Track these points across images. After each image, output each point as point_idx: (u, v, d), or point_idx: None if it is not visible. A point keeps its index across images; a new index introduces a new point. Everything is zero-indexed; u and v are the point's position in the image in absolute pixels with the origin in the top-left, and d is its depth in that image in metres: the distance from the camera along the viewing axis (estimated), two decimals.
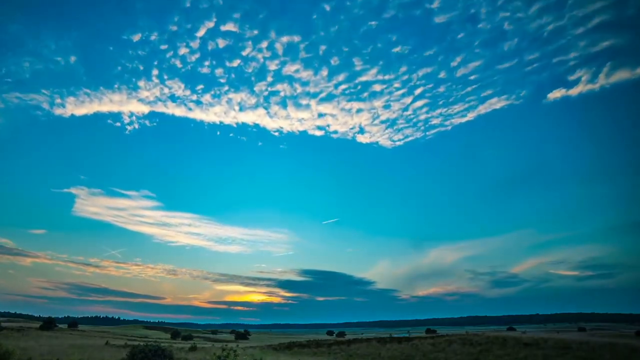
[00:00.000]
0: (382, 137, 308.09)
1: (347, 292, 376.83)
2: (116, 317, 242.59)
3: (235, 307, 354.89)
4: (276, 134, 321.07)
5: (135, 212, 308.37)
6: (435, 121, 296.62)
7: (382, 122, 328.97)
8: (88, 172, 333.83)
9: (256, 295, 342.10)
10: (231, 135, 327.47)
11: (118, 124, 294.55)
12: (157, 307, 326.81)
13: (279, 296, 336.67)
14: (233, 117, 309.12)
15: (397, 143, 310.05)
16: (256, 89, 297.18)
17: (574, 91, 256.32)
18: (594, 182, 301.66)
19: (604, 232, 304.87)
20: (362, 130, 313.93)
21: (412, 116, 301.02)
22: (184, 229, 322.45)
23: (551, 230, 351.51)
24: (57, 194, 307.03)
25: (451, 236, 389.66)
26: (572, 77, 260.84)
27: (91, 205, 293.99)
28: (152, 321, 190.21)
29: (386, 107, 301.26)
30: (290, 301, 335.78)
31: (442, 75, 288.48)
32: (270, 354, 30.04)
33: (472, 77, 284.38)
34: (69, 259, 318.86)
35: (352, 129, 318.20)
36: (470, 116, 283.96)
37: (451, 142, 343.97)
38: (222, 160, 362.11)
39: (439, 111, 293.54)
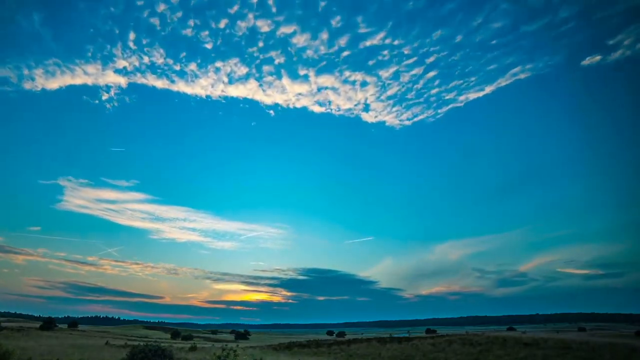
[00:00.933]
0: (389, 116, 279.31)
1: (348, 292, 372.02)
2: (116, 317, 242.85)
3: (235, 307, 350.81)
4: (271, 112, 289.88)
5: (128, 207, 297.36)
6: (448, 96, 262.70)
7: (390, 97, 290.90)
8: (74, 160, 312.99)
9: (255, 295, 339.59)
10: (220, 114, 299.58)
11: (96, 101, 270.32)
12: (156, 307, 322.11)
13: (279, 295, 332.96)
14: (222, 91, 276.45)
15: (406, 122, 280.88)
16: (247, 55, 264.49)
17: (614, 56, 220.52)
18: (613, 174, 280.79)
19: (618, 229, 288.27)
20: (367, 108, 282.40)
21: (423, 90, 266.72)
22: (179, 224, 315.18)
23: (561, 226, 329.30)
24: (45, 187, 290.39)
25: (458, 232, 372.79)
26: (612, 42, 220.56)
27: (80, 198, 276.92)
28: (151, 321, 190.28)
29: (394, 77, 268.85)
30: (290, 300, 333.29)
31: (458, 39, 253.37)
32: (270, 354, 30.04)
33: (493, 42, 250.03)
34: (64, 257, 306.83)
35: (356, 105, 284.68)
36: (488, 90, 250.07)
37: (463, 121, 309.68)
38: (214, 144, 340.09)
39: (453, 83, 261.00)
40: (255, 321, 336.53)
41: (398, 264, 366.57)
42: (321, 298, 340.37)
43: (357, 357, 29.83)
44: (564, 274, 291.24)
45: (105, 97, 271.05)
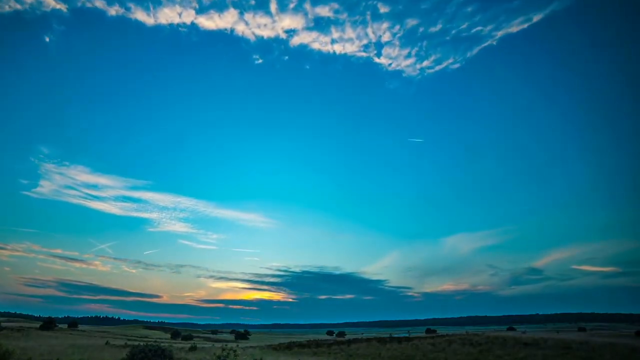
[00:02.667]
0: (406, 62, 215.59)
1: (350, 290, 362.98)
2: (116, 317, 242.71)
3: (233, 306, 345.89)
4: (257, 59, 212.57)
5: (114, 194, 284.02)
6: (482, 29, 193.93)
7: (408, 32, 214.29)
8: (38, 128, 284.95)
9: (254, 293, 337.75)
10: (189, 54, 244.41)
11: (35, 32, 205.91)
12: (153, 306, 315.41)
13: (279, 294, 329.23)
14: (191, 22, 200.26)
15: (428, 71, 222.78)
16: None
17: None
18: None
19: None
20: (379, 48, 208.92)
21: (449, 26, 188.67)
22: (171, 214, 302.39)
23: (580, 218, 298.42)
24: (16, 171, 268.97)
25: (470, 223, 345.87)
26: None
27: (57, 182, 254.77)
28: (151, 321, 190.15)
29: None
30: (290, 299, 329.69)
31: None
32: (270, 354, 30.04)
33: None
34: (50, 253, 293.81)
35: (366, 47, 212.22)
36: (536, 19, 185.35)
37: (496, 63, 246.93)
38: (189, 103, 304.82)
39: (490, 12, 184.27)
40: (255, 321, 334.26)
41: (404, 259, 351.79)
42: (322, 297, 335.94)
43: (357, 357, 29.83)
44: (581, 272, 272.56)
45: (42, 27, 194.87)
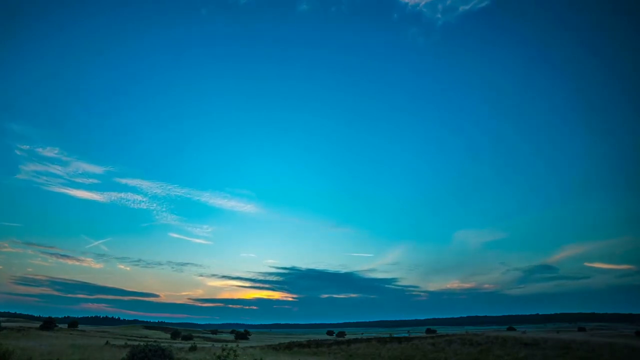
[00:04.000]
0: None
1: (351, 289, 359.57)
2: (116, 317, 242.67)
3: (233, 306, 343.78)
4: None
5: (96, 182, 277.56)
6: None
7: None
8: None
9: (254, 293, 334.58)
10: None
11: None
12: (152, 306, 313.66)
13: (279, 292, 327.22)
14: None
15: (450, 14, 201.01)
16: None
17: None
18: None
19: None
20: None
21: None
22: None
23: (597, 212, 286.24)
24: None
25: (480, 217, 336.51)
26: None
27: (34, 169, 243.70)
28: (150, 321, 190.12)
29: None
30: (290, 298, 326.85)
31: None
32: (270, 353, 30.05)
33: None
34: (42, 250, 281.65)
35: None
36: None
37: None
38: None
39: None
40: (255, 321, 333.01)
41: (409, 257, 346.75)
42: (324, 296, 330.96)
43: (357, 357, 29.84)
44: (594, 269, 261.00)
45: None
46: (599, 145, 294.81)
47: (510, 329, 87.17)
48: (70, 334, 47.59)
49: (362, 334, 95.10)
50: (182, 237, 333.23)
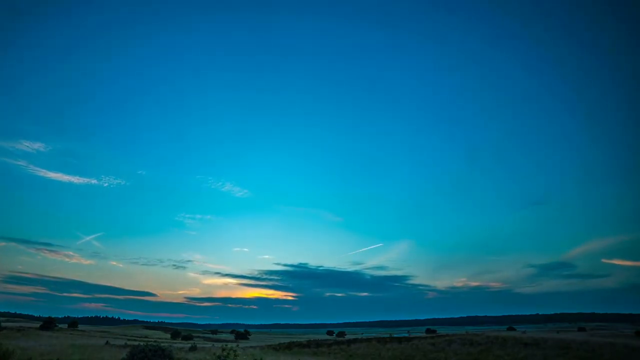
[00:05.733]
0: None
1: (352, 287, 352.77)
2: (116, 317, 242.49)
3: (232, 305, 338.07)
4: None
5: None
6: None
7: None
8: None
9: (254, 292, 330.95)
10: None
11: None
12: (150, 305, 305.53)
13: (278, 291, 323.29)
14: None
15: None
16: None
17: None
18: None
19: None
20: None
21: None
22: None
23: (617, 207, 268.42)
24: None
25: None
26: None
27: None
28: (150, 321, 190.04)
29: None
30: (289, 297, 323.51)
31: None
32: (270, 353, 30.06)
33: None
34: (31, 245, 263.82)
35: None
36: None
37: None
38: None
39: None
40: (255, 321, 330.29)
41: (414, 253, 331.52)
42: (327, 294, 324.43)
43: (357, 357, 29.86)
44: (612, 266, 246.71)
45: None
46: (618, 136, 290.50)
47: (510, 329, 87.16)
48: (70, 334, 47.59)
49: (362, 334, 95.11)
50: (176, 229, 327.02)
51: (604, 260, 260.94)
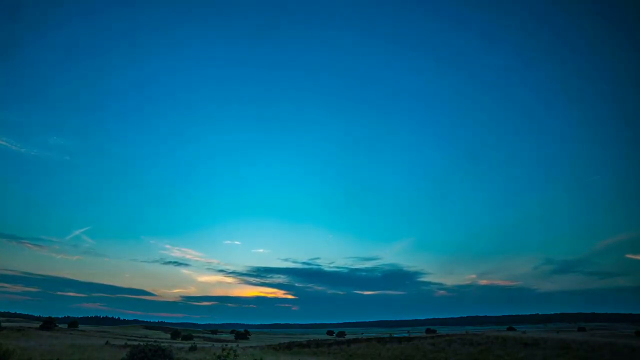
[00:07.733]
0: None
1: (351, 286, 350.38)
2: (116, 317, 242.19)
3: (231, 304, 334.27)
4: None
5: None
6: None
7: None
8: None
9: (253, 292, 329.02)
10: None
11: None
12: (149, 305, 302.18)
13: (278, 291, 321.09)
14: None
15: None
16: None
17: None
18: None
19: None
20: None
21: None
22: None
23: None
24: None
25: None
26: None
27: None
28: (151, 321, 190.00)
29: None
30: (289, 296, 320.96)
31: None
32: (270, 353, 30.06)
33: None
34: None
35: None
36: None
37: None
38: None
39: None
40: (255, 321, 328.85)
41: (420, 249, 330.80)
42: (330, 292, 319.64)
43: (357, 357, 29.85)
44: (636, 262, 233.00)
45: None
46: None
47: (510, 329, 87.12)
48: (70, 334, 47.59)
49: (362, 333, 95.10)
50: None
51: (627, 256, 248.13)
